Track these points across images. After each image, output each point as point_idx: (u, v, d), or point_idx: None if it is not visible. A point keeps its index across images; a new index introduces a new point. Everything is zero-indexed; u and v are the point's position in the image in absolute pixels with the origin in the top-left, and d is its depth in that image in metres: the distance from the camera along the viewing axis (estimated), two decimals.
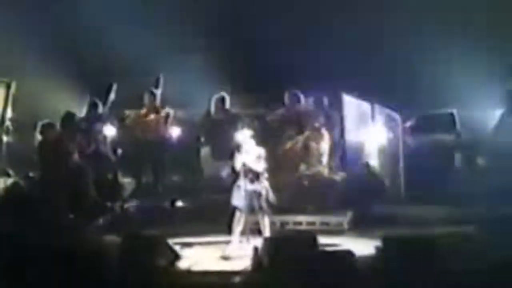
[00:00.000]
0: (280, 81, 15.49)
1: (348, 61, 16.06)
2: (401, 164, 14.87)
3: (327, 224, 12.93)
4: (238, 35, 17.10)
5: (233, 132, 12.17)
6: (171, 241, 10.66)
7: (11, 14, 16.02)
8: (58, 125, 13.88)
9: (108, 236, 12.11)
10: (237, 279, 9.84)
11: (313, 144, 14.06)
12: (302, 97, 14.53)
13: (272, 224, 11.85)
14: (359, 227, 12.77)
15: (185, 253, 10.95)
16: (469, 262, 9.83)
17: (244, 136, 11.65)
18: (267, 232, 11.47)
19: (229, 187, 11.89)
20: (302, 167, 14.00)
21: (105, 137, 14.75)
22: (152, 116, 15.00)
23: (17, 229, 12.03)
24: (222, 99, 14.93)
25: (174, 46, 16.58)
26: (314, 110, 14.40)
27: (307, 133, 14.17)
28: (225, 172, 13.87)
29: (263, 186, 11.48)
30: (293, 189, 13.45)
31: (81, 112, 14.92)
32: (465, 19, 16.73)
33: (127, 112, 15.40)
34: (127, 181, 14.69)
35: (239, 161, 11.51)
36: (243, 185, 11.41)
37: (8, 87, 14.96)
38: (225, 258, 11.12)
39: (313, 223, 12.96)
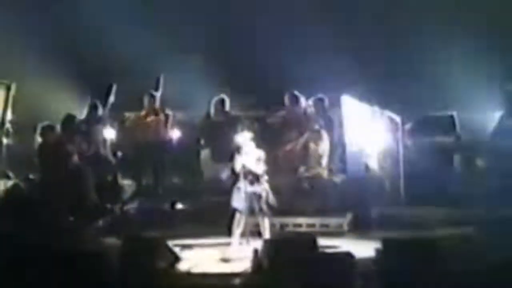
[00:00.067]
0: (280, 82, 15.50)
1: (348, 62, 16.07)
2: (401, 166, 14.86)
3: (327, 226, 12.93)
4: (238, 36, 17.11)
5: (233, 134, 12.17)
6: (171, 243, 10.66)
7: (11, 15, 16.03)
8: (58, 127, 13.89)
9: (108, 238, 12.13)
10: (237, 281, 9.85)
11: (312, 146, 14.06)
12: (301, 98, 14.52)
13: (272, 226, 11.86)
14: (359, 229, 12.77)
15: (185, 255, 10.94)
16: (469, 264, 9.83)
17: (244, 138, 11.65)
18: (267, 234, 11.47)
19: (229, 189, 11.89)
20: (302, 169, 14.00)
21: (105, 139, 14.75)
22: (151, 118, 15.00)
23: (17, 231, 12.04)
24: (222, 101, 14.93)
25: (174, 47, 16.59)
26: (314, 112, 14.39)
27: (306, 135, 14.17)
28: (225, 174, 13.87)
29: (263, 188, 11.48)
30: (293, 191, 13.44)
31: (81, 114, 14.91)
32: (465, 19, 16.74)
33: (127, 114, 15.41)
34: (127, 183, 14.69)
35: (239, 163, 11.51)
36: (243, 187, 11.41)
37: (8, 89, 14.96)
38: (225, 260, 11.11)
39: (313, 225, 12.96)
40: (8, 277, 9.29)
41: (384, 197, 14.11)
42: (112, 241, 11.73)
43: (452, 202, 13.89)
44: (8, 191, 13.49)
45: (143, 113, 15.08)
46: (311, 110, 14.45)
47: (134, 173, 14.98)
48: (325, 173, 13.96)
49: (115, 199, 14.11)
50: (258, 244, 10.37)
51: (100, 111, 14.81)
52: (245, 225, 11.44)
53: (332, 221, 12.98)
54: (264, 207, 11.46)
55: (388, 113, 15.12)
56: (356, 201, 13.28)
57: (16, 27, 15.96)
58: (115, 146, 14.89)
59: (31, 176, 13.89)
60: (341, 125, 14.40)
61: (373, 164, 14.75)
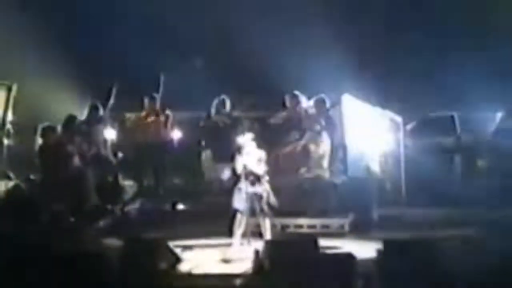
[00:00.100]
0: (281, 82, 15.50)
1: (349, 63, 16.09)
2: (402, 167, 14.86)
3: (328, 227, 12.91)
4: (238, 37, 17.12)
5: (233, 134, 12.16)
6: (172, 244, 10.65)
7: (12, 16, 16.03)
8: (58, 128, 13.89)
9: (108, 239, 12.12)
10: (238, 282, 9.83)
11: (312, 148, 14.05)
12: (302, 98, 14.51)
13: (273, 226, 11.85)
14: (360, 230, 12.75)
15: (186, 256, 10.94)
16: (470, 265, 9.83)
17: (245, 138, 11.65)
18: (268, 235, 11.46)
19: (230, 189, 11.89)
20: (302, 170, 14.00)
21: (105, 140, 14.75)
22: (152, 119, 15.00)
23: (18, 232, 12.04)
24: (223, 102, 14.93)
25: (175, 48, 16.60)
26: (315, 112, 14.37)
27: (307, 136, 14.16)
28: (226, 175, 13.88)
29: (264, 188, 11.47)
30: (294, 192, 13.43)
31: (82, 115, 14.91)
32: (465, 19, 16.76)
33: (127, 115, 15.42)
34: (127, 184, 14.69)
35: (240, 163, 11.51)
36: (244, 188, 11.40)
37: (9, 89, 14.98)
38: (226, 261, 11.09)
39: (314, 226, 12.95)
40: (9, 277, 9.28)
41: (385, 198, 14.11)
42: (112, 241, 11.72)
43: (453, 203, 13.90)
44: (9, 192, 13.48)
45: (143, 114, 15.09)
46: (312, 110, 14.43)
47: (135, 174, 14.99)
48: (326, 174, 13.95)
49: (115, 199, 14.11)
50: (259, 245, 10.35)
51: (101, 112, 14.81)
52: (246, 225, 11.43)
53: (333, 222, 12.97)
54: (265, 208, 11.45)
55: (389, 113, 15.13)
56: (357, 202, 13.27)
57: (17, 28, 15.96)
58: (116, 147, 14.90)
59: (31, 177, 13.89)
60: (342, 125, 14.40)
61: (374, 165, 14.76)
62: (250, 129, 12.60)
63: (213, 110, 14.95)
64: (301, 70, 16.08)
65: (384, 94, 15.70)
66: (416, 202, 14.24)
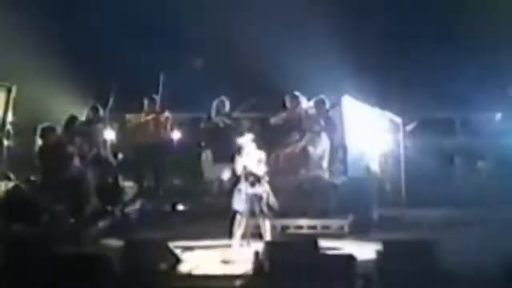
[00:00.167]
0: (281, 83, 15.50)
1: (349, 64, 16.08)
2: (402, 168, 14.86)
3: (328, 227, 12.91)
4: (239, 38, 17.12)
5: (233, 135, 12.16)
6: (172, 245, 10.66)
7: (12, 18, 16.03)
8: (58, 129, 13.89)
9: (109, 240, 12.13)
10: (238, 283, 9.84)
11: (311, 149, 14.06)
12: (303, 99, 14.52)
13: (273, 227, 11.85)
14: (360, 231, 12.75)
15: (186, 256, 10.94)
16: (470, 265, 9.84)
17: (245, 139, 11.65)
18: (268, 236, 11.46)
19: (229, 190, 11.89)
20: (302, 171, 14.00)
21: (105, 141, 14.75)
22: (152, 120, 15.00)
23: (18, 233, 12.05)
24: (223, 103, 14.94)
25: (175, 49, 16.60)
26: (315, 113, 14.37)
27: (307, 136, 14.17)
28: (225, 176, 13.88)
29: (264, 189, 11.47)
30: (294, 193, 13.43)
31: (82, 115, 14.91)
32: (465, 20, 16.75)
33: (127, 116, 15.41)
34: (128, 185, 14.69)
35: (240, 164, 11.50)
36: (244, 189, 11.39)
37: (8, 91, 14.98)
38: (226, 262, 11.08)
39: (314, 227, 12.95)
40: (9, 278, 9.28)
41: (384, 198, 14.11)
42: (112, 242, 11.73)
43: (452, 204, 13.90)
44: (9, 193, 13.47)
45: (143, 115, 15.09)
46: (312, 111, 14.44)
47: (135, 175, 14.99)
48: (326, 175, 13.96)
49: (115, 200, 14.10)
50: (259, 246, 10.37)
51: (101, 113, 14.81)
52: (245, 227, 11.42)
53: (333, 223, 12.96)
54: (265, 208, 11.44)
55: (389, 114, 15.13)
56: (357, 203, 13.27)
57: (17, 30, 15.96)
58: (116, 148, 14.90)
59: (31, 178, 13.88)
60: (342, 126, 14.41)
61: (374, 166, 14.76)
62: (250, 130, 12.59)
63: (213, 111, 14.96)
64: (301, 71, 16.07)
65: (383, 95, 15.69)
66: (416, 203, 14.23)
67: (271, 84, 15.92)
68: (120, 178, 14.58)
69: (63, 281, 9.11)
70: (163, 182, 15.10)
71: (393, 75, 16.89)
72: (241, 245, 11.41)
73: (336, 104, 14.57)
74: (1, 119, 14.98)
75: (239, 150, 11.57)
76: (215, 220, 12.77)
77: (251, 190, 11.38)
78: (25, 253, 9.66)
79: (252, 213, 11.37)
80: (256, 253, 9.83)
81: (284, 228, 12.87)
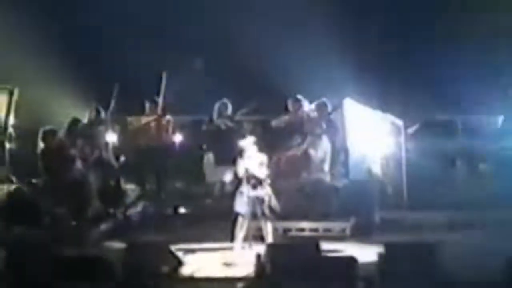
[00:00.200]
0: (283, 86, 15.50)
1: (351, 67, 16.08)
2: (404, 170, 14.85)
3: (329, 230, 12.91)
4: (240, 40, 17.11)
5: (235, 138, 12.17)
6: (174, 247, 10.66)
7: (13, 20, 16.04)
8: (60, 132, 13.90)
9: (110, 243, 12.13)
10: (239, 285, 9.85)
11: (313, 152, 14.07)
12: (305, 103, 14.53)
13: (274, 230, 11.86)
14: (361, 233, 12.75)
15: (188, 259, 10.95)
16: (471, 268, 9.84)
17: (247, 142, 11.66)
18: (269, 238, 11.47)
19: (231, 193, 11.89)
20: (304, 173, 14.01)
21: (107, 143, 14.75)
22: (153, 123, 15.00)
23: (20, 236, 12.06)
24: (225, 105, 14.95)
25: (177, 51, 16.59)
26: (317, 116, 14.38)
27: (309, 139, 14.18)
28: (227, 178, 13.89)
29: (266, 192, 11.47)
30: (296, 196, 13.43)
31: (84, 118, 14.91)
32: (466, 21, 16.74)
33: (129, 118, 15.42)
34: (130, 188, 14.69)
35: (242, 167, 11.51)
36: (246, 191, 11.40)
37: (10, 93, 15.00)
38: (228, 264, 11.10)
39: (316, 229, 12.95)
40: (10, 280, 9.29)
41: (386, 201, 14.11)
42: (114, 245, 11.74)
43: (454, 207, 13.89)
44: (11, 195, 13.47)
45: (145, 117, 15.09)
46: (314, 114, 14.44)
47: (137, 178, 14.98)
48: (327, 178, 13.96)
49: (117, 203, 14.11)
50: (260, 248, 10.37)
51: (103, 115, 14.81)
52: (247, 229, 11.43)
53: (335, 225, 12.97)
54: (267, 211, 11.45)
55: (390, 117, 15.12)
56: (359, 206, 13.27)
57: (18, 32, 15.97)
58: (118, 151, 14.89)
59: (34, 181, 13.89)
60: (343, 129, 14.41)
61: (376, 168, 14.76)
62: (252, 133, 12.60)
63: (215, 114, 14.97)
64: (303, 74, 16.07)
65: (385, 98, 15.69)
66: (418, 205, 14.22)
67: (273, 86, 15.92)
68: (122, 181, 14.59)
69: (64, 283, 9.12)
70: (165, 185, 15.09)
71: (394, 77, 16.88)
72: (243, 248, 11.41)
73: (338, 107, 14.58)
74: (3, 122, 15.00)
75: (241, 152, 11.59)
76: (217, 223, 12.78)
77: (253, 193, 11.39)
78: (27, 255, 9.67)
79: (254, 216, 11.38)
80: (258, 256, 9.83)
81: (286, 230, 12.88)
